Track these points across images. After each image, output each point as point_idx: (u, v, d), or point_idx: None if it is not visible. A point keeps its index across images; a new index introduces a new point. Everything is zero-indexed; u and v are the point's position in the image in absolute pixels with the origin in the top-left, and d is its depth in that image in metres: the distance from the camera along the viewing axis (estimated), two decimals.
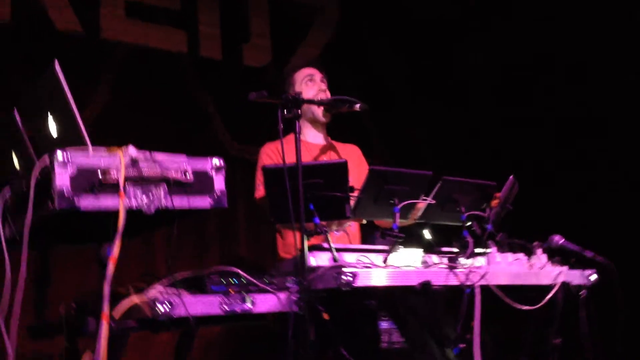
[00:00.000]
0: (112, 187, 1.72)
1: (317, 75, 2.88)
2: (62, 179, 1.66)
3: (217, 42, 4.30)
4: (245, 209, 4.21)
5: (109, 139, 1.85)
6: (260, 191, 2.71)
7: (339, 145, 2.95)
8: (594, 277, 2.61)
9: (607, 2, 4.19)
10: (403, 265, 2.20)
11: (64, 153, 1.68)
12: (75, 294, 2.06)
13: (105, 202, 1.71)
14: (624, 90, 4.26)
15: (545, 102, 4.58)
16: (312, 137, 2.89)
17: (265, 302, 1.92)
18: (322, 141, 2.92)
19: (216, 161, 1.92)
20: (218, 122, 4.21)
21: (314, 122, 2.87)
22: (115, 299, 1.79)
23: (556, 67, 4.53)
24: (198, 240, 4.05)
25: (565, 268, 2.56)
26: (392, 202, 2.25)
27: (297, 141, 2.11)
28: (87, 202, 1.69)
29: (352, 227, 2.80)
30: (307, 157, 2.77)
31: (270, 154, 2.80)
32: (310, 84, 2.85)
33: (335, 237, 2.73)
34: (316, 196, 2.12)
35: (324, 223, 2.14)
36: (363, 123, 4.61)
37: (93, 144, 1.77)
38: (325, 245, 2.14)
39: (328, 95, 2.85)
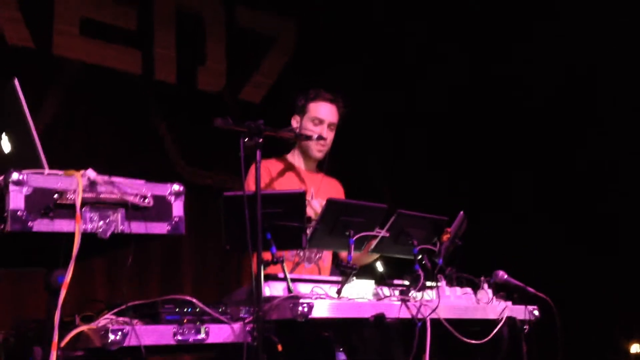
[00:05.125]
0: (68, 210, 1.67)
1: (327, 122, 2.81)
2: (16, 200, 1.60)
3: (172, 65, 4.27)
4: (192, 234, 4.14)
5: (56, 157, 1.79)
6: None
7: (324, 179, 2.92)
8: (536, 312, 2.70)
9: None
10: (356, 296, 2.21)
11: (20, 173, 1.62)
12: (12, 321, 1.98)
13: (60, 225, 1.66)
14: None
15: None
16: (305, 165, 2.88)
17: (219, 333, 1.88)
18: (314, 170, 2.91)
19: (176, 187, 1.89)
20: (170, 144, 4.16)
21: (306, 154, 2.86)
22: (61, 328, 1.72)
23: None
24: (141, 265, 3.95)
25: (509, 303, 2.64)
26: (347, 233, 2.27)
27: (257, 170, 2.10)
28: (41, 225, 1.63)
29: (324, 260, 2.79)
30: (300, 185, 2.79)
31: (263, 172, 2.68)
32: (316, 128, 2.78)
33: (306, 270, 2.72)
34: (273, 225, 2.11)
35: (280, 253, 2.13)
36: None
37: None
38: (281, 275, 2.13)
39: (326, 146, 2.82)
